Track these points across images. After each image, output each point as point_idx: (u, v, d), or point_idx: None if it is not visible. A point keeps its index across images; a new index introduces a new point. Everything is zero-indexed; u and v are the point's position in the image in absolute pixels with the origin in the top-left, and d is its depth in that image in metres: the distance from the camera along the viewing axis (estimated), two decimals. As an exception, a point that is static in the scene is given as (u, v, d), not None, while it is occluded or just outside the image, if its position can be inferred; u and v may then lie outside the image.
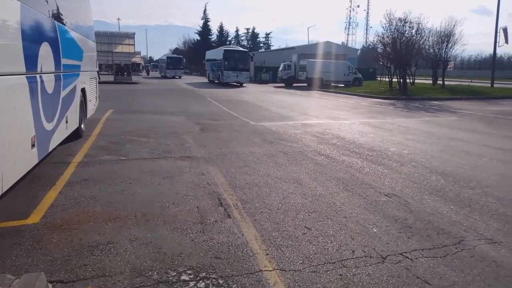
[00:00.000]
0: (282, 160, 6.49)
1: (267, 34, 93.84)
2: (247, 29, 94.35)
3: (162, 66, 53.16)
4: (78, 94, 7.36)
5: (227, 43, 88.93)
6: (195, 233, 3.60)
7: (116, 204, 4.28)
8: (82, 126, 8.05)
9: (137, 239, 3.43)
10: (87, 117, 8.76)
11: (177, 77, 47.62)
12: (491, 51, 33.62)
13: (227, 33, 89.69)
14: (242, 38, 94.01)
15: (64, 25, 6.27)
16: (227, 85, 32.98)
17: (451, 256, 3.28)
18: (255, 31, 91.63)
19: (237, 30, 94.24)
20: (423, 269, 3.06)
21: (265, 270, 2.98)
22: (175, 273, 2.89)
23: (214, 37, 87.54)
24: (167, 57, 52.08)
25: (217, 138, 8.45)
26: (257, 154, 6.89)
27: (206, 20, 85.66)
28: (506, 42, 29.60)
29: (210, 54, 42.70)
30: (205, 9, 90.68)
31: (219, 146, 7.50)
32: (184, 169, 5.77)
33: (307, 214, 4.16)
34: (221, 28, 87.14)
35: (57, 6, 5.80)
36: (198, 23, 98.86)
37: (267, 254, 3.23)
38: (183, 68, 52.01)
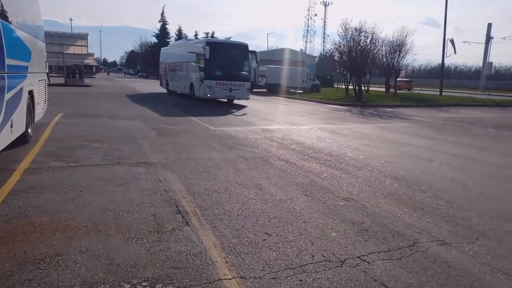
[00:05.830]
0: (242, 166, 6.44)
1: (227, 39, 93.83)
2: (206, 33, 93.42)
3: (190, 67, 20.04)
4: (25, 96, 6.89)
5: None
6: (151, 243, 3.44)
7: (66, 213, 4.01)
8: (29, 130, 7.54)
9: (88, 251, 3.22)
10: (35, 121, 8.23)
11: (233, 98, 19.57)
12: (439, 61, 35.86)
13: (186, 36, 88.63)
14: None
15: (10, 23, 5.86)
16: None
17: (406, 258, 3.38)
18: (215, 35, 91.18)
19: (196, 34, 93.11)
20: (380, 272, 3.12)
21: (225, 279, 2.90)
22: (129, 286, 2.73)
23: (172, 40, 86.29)
24: (207, 42, 18.17)
25: (175, 143, 8.25)
26: (216, 160, 6.78)
27: (164, 23, 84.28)
28: (455, 52, 32.05)
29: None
30: (163, 12, 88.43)
31: (177, 152, 7.31)
32: (140, 176, 5.55)
33: (267, 219, 4.13)
34: (179, 31, 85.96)
35: (1, 3, 5.41)
36: (156, 26, 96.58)
37: (227, 262, 3.16)
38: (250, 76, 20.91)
